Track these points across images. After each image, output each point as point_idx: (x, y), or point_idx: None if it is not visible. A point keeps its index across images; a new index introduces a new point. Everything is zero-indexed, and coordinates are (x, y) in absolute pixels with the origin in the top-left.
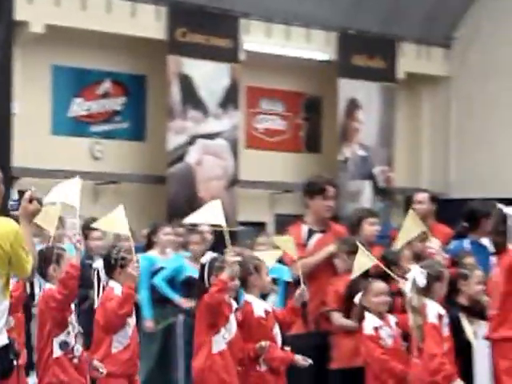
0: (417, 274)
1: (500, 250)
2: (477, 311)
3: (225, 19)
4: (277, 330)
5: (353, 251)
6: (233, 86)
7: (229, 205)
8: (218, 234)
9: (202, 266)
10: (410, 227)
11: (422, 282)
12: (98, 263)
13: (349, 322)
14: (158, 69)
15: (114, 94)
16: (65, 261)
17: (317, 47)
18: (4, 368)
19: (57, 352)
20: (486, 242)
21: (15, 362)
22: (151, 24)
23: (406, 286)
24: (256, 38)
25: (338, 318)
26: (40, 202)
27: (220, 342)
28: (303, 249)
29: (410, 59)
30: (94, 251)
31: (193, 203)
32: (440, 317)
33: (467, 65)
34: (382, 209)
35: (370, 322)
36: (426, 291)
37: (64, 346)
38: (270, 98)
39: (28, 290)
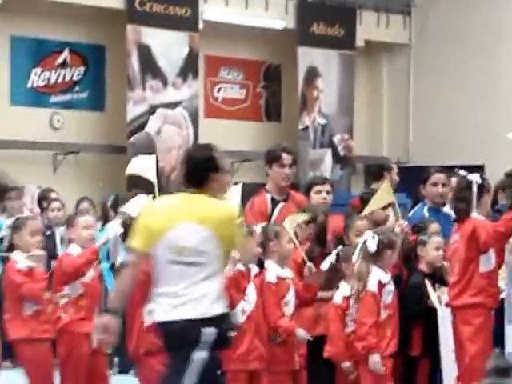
0: (368, 239)
1: (461, 216)
2: (438, 277)
3: None
4: (289, 299)
5: (310, 220)
6: (192, 55)
7: None
8: None
9: None
10: (381, 196)
11: (372, 247)
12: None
13: None
14: (116, 38)
15: (72, 64)
16: None
17: (275, 15)
18: (220, 336)
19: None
20: (446, 208)
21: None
22: None
23: (355, 250)
24: (215, 7)
25: None
26: None
27: (236, 317)
28: (267, 218)
29: (369, 27)
30: (53, 221)
31: None
32: (381, 285)
33: (426, 32)
34: (342, 177)
35: (342, 291)
36: (374, 258)
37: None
38: (230, 67)
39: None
